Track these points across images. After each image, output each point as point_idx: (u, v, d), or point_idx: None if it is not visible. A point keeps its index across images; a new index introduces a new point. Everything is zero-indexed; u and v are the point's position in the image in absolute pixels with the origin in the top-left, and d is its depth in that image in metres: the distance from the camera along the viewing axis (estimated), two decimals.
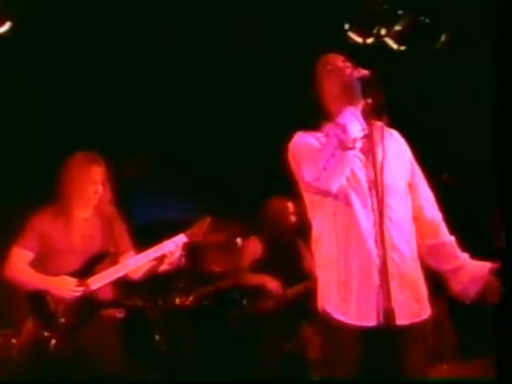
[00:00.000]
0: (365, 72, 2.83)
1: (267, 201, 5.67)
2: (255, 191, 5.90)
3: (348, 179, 2.83)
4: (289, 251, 5.52)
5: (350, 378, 2.78)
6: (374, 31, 5.77)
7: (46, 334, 4.06)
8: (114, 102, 6.35)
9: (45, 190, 4.41)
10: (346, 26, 5.77)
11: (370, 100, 2.77)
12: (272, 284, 5.35)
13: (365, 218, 2.80)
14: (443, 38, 5.75)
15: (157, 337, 5.47)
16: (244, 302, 5.58)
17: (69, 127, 6.13)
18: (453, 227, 3.11)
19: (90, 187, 4.28)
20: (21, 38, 5.42)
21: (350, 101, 2.79)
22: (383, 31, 5.76)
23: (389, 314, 2.64)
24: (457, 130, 6.23)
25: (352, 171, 2.83)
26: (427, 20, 5.69)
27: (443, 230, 3.06)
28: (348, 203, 2.83)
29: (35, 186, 5.16)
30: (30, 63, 5.84)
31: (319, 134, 2.93)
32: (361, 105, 2.78)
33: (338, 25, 5.76)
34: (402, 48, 5.81)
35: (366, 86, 2.78)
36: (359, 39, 5.77)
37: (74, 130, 6.09)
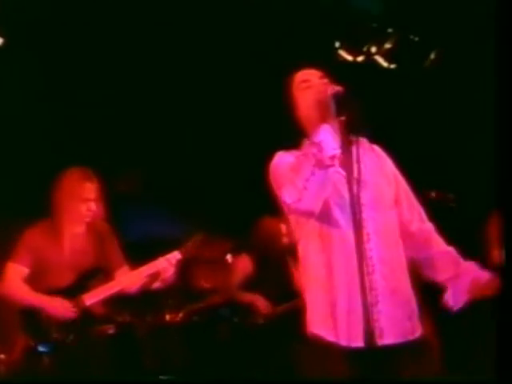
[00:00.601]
0: (338, 88, 2.75)
1: (259, 220, 5.66)
2: (245, 209, 5.91)
3: (331, 196, 2.76)
4: (279, 270, 5.51)
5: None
6: (364, 49, 5.81)
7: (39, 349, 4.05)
8: (107, 118, 6.36)
9: (38, 205, 4.42)
10: (337, 44, 5.81)
11: (343, 117, 2.68)
12: (261, 302, 5.34)
13: (350, 235, 2.68)
14: (433, 56, 5.79)
15: (146, 353, 5.45)
16: (234, 318, 5.57)
17: (61, 143, 6.13)
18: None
19: (83, 204, 4.27)
20: (13, 53, 5.43)
21: (324, 118, 2.71)
22: (373, 49, 5.80)
23: (379, 333, 2.59)
24: (447, 148, 6.27)
25: (334, 188, 2.77)
26: (417, 38, 5.73)
27: (436, 241, 2.99)
28: (332, 221, 2.77)
29: (28, 201, 5.15)
30: (21, 79, 5.84)
31: (299, 153, 2.85)
32: (335, 122, 2.69)
33: (329, 43, 5.80)
34: (392, 66, 5.85)
35: (340, 103, 2.69)
36: (349, 57, 5.81)
37: (66, 146, 6.09)
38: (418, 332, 2.84)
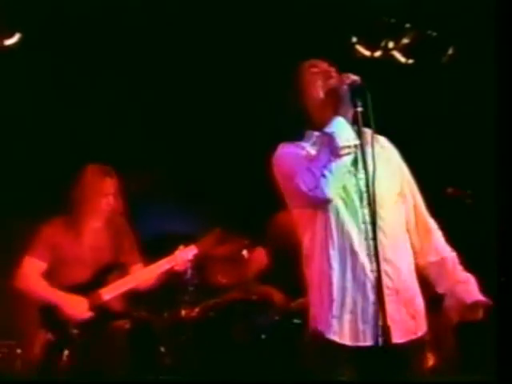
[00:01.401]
0: (355, 78, 2.71)
1: (275, 215, 5.65)
2: (260, 204, 5.89)
3: (338, 191, 2.72)
4: (294, 265, 5.49)
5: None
6: (382, 44, 5.79)
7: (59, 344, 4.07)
8: (121, 117, 6.38)
9: (56, 201, 4.43)
10: (354, 39, 5.78)
11: (360, 108, 2.65)
12: (277, 296, 5.34)
13: (357, 231, 2.69)
14: (450, 52, 5.75)
15: (162, 349, 5.45)
16: (250, 315, 5.57)
17: (79, 140, 6.15)
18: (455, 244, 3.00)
19: (102, 199, 4.30)
20: (29, 50, 5.45)
21: (339, 108, 2.68)
22: (391, 44, 5.77)
23: (385, 332, 2.53)
24: (463, 144, 6.22)
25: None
26: (434, 33, 5.70)
27: (438, 243, 2.94)
28: (339, 216, 2.71)
29: (47, 196, 5.17)
30: (37, 75, 5.87)
31: (304, 144, 2.82)
32: (350, 113, 2.67)
33: (346, 38, 5.78)
34: (410, 61, 5.82)
35: (356, 94, 2.66)
36: (367, 52, 5.79)
37: (84, 143, 6.11)
38: (421, 331, 2.79)
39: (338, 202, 2.72)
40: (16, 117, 5.94)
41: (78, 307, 4.13)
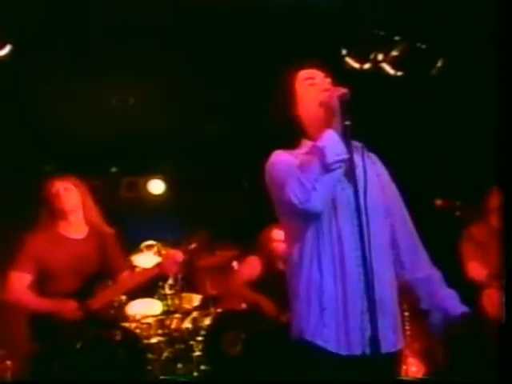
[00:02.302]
0: (344, 91, 2.71)
1: (265, 229, 5.65)
2: (252, 215, 5.91)
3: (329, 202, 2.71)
4: (284, 277, 5.48)
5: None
6: (371, 57, 5.82)
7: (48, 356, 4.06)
8: (116, 119, 6.41)
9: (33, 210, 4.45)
10: (344, 52, 5.81)
11: (349, 122, 2.65)
12: (267, 305, 5.34)
13: (347, 241, 2.69)
14: (439, 64, 5.79)
15: (151, 360, 5.46)
16: (241, 325, 5.56)
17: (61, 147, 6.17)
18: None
19: (51, 196, 4.31)
20: (21, 61, 5.46)
21: (330, 121, 2.69)
22: (380, 57, 5.80)
23: (374, 341, 2.52)
24: (453, 156, 6.27)
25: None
26: (423, 46, 5.73)
27: (426, 259, 2.93)
28: (331, 226, 2.71)
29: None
30: (29, 86, 5.88)
31: (298, 152, 2.81)
32: (340, 126, 2.66)
33: (336, 50, 5.80)
34: (399, 73, 5.85)
35: (346, 106, 2.66)
36: (356, 64, 5.81)
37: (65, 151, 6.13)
38: (399, 345, 2.77)
39: (330, 212, 2.72)
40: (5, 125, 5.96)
41: (67, 309, 4.12)
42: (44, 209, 4.36)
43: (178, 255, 4.26)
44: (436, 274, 2.92)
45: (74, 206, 4.34)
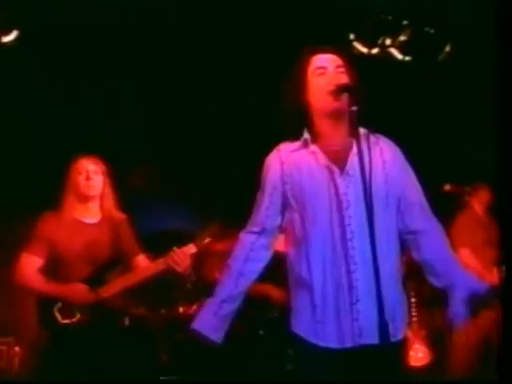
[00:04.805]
0: (350, 80, 2.74)
1: None
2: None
3: (318, 192, 2.72)
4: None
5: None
6: (379, 42, 5.79)
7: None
8: (121, 114, 6.39)
9: (52, 196, 4.43)
10: (352, 37, 5.79)
11: (355, 108, 2.63)
12: (275, 292, 5.34)
13: (339, 233, 2.69)
14: (447, 49, 5.76)
15: (159, 346, 5.46)
16: (248, 312, 5.56)
17: (76, 137, 6.16)
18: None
19: (79, 177, 4.29)
20: (27, 47, 5.45)
21: (335, 108, 2.72)
22: (388, 42, 5.78)
23: (359, 333, 2.59)
24: (460, 140, 6.25)
25: (328, 185, 2.73)
26: (432, 31, 5.70)
27: (435, 243, 2.87)
28: (317, 221, 2.72)
29: (46, 192, 5.18)
30: (36, 72, 5.87)
31: (297, 151, 2.85)
32: (346, 113, 2.69)
33: (344, 35, 5.78)
34: (407, 58, 5.83)
35: (353, 94, 2.66)
36: (364, 49, 5.79)
37: (82, 140, 6.12)
38: (399, 335, 2.75)
39: (318, 206, 2.73)
40: (13, 114, 5.94)
41: (77, 293, 4.11)
42: (68, 190, 4.32)
43: (190, 251, 4.24)
44: (454, 255, 2.92)
45: (97, 192, 4.33)
